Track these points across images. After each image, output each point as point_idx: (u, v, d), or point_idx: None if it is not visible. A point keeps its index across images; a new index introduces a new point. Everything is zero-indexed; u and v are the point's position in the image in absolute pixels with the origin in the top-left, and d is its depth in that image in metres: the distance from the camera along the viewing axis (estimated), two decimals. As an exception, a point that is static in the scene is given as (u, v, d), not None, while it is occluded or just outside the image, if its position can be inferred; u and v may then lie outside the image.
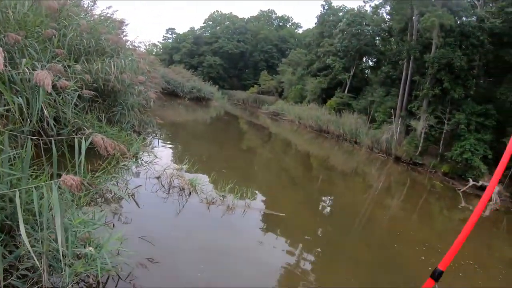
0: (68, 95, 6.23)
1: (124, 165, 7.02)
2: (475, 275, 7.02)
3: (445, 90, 19.45)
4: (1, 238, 2.95)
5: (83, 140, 2.88)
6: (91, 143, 2.97)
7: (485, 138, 17.63)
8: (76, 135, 3.12)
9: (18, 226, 2.75)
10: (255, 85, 52.74)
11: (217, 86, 42.81)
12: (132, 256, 3.89)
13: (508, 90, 17.61)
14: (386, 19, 31.49)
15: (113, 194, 5.78)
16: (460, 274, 6.79)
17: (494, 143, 18.33)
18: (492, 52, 19.79)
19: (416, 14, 23.31)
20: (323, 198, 11.22)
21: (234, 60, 61.27)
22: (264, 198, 8.82)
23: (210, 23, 66.01)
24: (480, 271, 7.32)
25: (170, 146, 11.70)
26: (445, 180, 18.36)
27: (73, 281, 3.29)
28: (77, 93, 6.39)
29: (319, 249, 6.51)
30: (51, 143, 2.92)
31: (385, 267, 6.60)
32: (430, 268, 6.56)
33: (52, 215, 2.90)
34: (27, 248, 2.42)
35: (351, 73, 33.87)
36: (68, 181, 2.43)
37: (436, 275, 2.39)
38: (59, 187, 2.71)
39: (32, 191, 2.71)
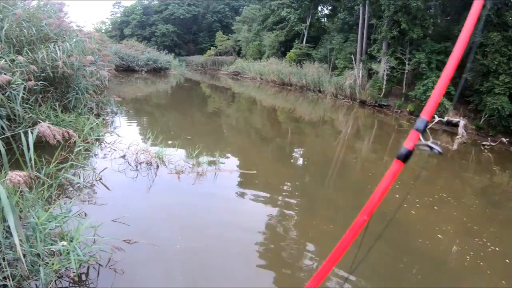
0: (14, 90, 5.90)
1: (87, 150, 6.78)
2: (449, 206, 7.32)
3: (403, 31, 19.54)
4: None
5: (29, 133, 2.70)
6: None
7: (446, 74, 18.03)
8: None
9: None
10: (212, 48, 51.37)
11: (173, 54, 41.28)
12: (109, 241, 3.81)
13: (466, 27, 17.88)
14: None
15: (81, 183, 5.60)
16: (435, 207, 7.08)
17: (457, 79, 18.78)
18: (448, -9, 19.91)
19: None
20: (295, 150, 11.30)
21: (187, 25, 59.07)
22: (234, 159, 8.78)
23: (158, -11, 62.76)
24: (454, 202, 7.66)
25: (133, 122, 11.35)
26: (411, 119, 18.87)
27: (53, 279, 3.20)
28: (23, 85, 6.07)
29: (296, 201, 6.56)
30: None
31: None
32: (406, 205, 6.82)
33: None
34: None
35: (308, 23, 33.47)
36: (14, 178, 2.28)
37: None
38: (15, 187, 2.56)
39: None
